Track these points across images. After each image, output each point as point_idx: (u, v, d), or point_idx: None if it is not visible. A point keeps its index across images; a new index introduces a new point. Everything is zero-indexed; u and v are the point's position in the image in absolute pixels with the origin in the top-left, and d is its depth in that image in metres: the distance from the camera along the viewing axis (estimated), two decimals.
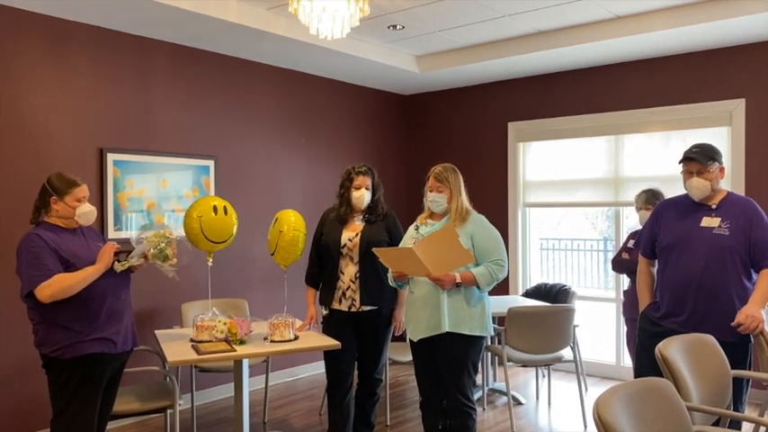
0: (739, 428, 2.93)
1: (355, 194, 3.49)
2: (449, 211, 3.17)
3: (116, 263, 2.80)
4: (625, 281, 4.68)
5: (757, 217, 2.86)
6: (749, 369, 2.87)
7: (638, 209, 4.30)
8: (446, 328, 3.05)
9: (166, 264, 2.90)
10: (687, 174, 2.97)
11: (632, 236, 4.37)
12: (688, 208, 3.00)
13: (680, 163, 3.01)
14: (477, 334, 3.10)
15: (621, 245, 4.52)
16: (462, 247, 2.94)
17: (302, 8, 3.39)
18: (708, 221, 2.91)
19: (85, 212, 2.82)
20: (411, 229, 3.30)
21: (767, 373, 2.71)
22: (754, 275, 2.88)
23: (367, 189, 3.50)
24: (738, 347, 2.80)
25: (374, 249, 3.13)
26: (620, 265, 4.40)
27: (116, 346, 2.82)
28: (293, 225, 3.53)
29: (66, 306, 2.68)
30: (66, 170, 2.94)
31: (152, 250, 2.86)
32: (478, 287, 3.07)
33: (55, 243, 2.70)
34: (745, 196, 3.03)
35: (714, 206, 2.93)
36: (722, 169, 2.96)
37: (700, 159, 2.91)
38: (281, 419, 4.49)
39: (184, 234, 3.39)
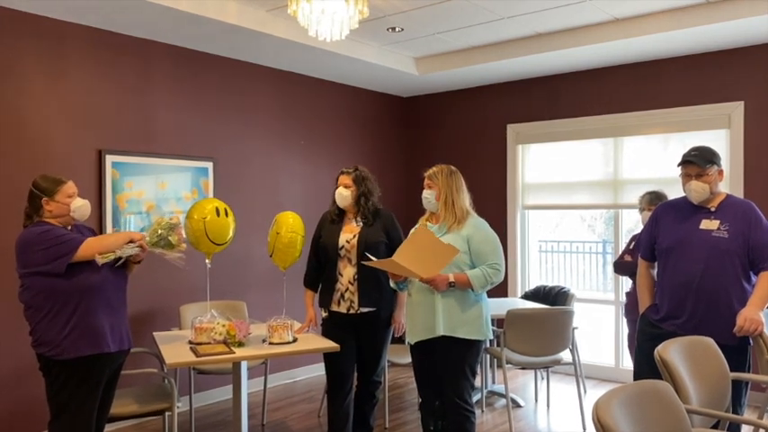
0: (738, 431, 2.93)
1: (336, 191, 3.53)
2: (438, 209, 3.19)
3: (98, 256, 2.70)
4: (626, 283, 4.68)
5: (756, 219, 2.86)
6: (748, 371, 2.87)
7: (642, 209, 4.32)
8: (441, 332, 3.05)
9: (173, 252, 2.85)
10: (686, 177, 2.97)
11: (635, 238, 4.39)
12: (687, 211, 3.00)
13: (678, 166, 3.01)
14: (474, 338, 3.09)
15: (624, 247, 4.52)
16: (442, 242, 2.95)
17: (301, 10, 3.39)
18: (707, 224, 2.91)
19: (80, 206, 2.81)
20: (412, 232, 3.30)
21: (766, 376, 2.71)
22: (753, 278, 2.88)
23: (346, 188, 3.51)
24: (737, 350, 2.80)
25: (363, 263, 3.18)
26: (622, 267, 4.42)
27: (112, 347, 2.81)
28: (291, 227, 3.54)
29: (63, 304, 2.68)
30: (64, 172, 2.94)
31: (147, 237, 2.83)
32: (473, 289, 3.06)
33: None
34: (745, 199, 3.03)
35: (713, 209, 2.94)
36: (721, 172, 2.96)
37: (698, 162, 2.91)
38: (279, 421, 4.48)
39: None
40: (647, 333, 3.08)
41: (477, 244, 3.10)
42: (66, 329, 2.69)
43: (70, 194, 2.80)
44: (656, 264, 3.17)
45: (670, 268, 3.00)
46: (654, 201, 4.21)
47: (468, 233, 3.11)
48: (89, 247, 2.68)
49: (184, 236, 2.96)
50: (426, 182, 3.24)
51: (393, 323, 3.56)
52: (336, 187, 3.54)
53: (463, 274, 3.04)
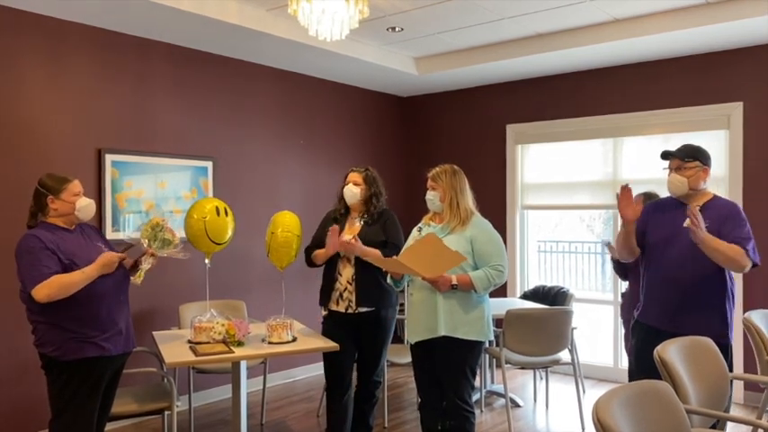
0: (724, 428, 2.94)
1: (345, 188, 3.54)
2: (443, 210, 3.18)
3: (131, 277, 2.88)
4: (623, 283, 4.69)
5: (734, 217, 2.87)
6: (731, 370, 2.88)
7: None
8: (442, 332, 3.04)
9: (171, 247, 2.91)
10: (669, 170, 3.01)
11: None
12: (674, 209, 3.03)
13: (662, 159, 3.03)
14: (474, 339, 3.08)
15: None
16: (450, 249, 2.93)
17: (302, 10, 3.39)
18: (690, 222, 2.92)
19: (85, 206, 2.82)
20: (414, 230, 3.30)
21: (766, 376, 2.71)
22: (734, 274, 2.90)
23: (356, 185, 3.52)
24: (719, 348, 2.80)
25: (365, 258, 3.17)
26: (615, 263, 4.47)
27: (114, 349, 2.82)
28: (286, 227, 3.54)
29: (65, 307, 2.68)
30: (64, 171, 2.94)
31: (154, 245, 2.88)
32: (475, 290, 3.05)
33: (53, 243, 2.69)
34: (731, 200, 3.07)
35: (698, 207, 2.95)
36: (705, 170, 2.96)
37: (678, 155, 2.94)
38: (278, 421, 4.48)
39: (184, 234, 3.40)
40: (638, 338, 3.11)
41: (481, 245, 3.08)
42: (67, 332, 2.69)
43: (76, 193, 2.81)
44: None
45: (654, 264, 3.04)
46: (645, 201, 4.23)
47: (472, 234, 3.09)
48: (40, 294, 2.58)
49: (171, 227, 3.00)
50: (430, 183, 3.21)
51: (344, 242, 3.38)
52: (345, 184, 3.54)
53: (466, 276, 3.03)
